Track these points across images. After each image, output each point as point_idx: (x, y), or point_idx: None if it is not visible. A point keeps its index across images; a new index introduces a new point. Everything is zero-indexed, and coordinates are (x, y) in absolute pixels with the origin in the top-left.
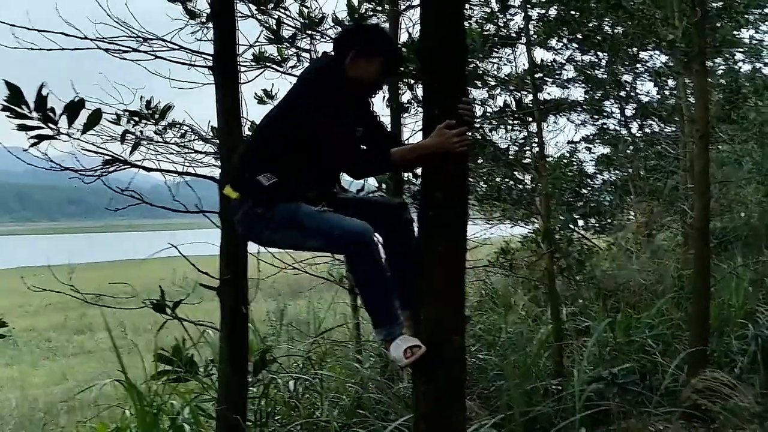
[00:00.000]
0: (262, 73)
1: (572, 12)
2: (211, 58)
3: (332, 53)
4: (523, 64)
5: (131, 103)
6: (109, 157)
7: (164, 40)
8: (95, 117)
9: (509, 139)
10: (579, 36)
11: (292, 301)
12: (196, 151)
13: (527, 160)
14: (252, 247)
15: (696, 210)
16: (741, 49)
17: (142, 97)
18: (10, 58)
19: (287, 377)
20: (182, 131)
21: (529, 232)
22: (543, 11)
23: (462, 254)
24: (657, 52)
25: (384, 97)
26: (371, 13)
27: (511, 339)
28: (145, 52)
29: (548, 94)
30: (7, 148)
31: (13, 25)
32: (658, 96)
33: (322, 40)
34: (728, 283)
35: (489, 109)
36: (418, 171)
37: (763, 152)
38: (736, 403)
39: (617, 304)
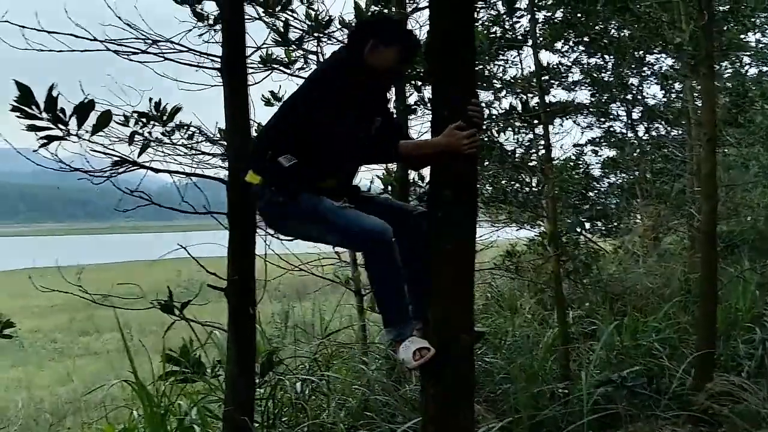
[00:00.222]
0: (269, 75)
1: (578, 15)
2: (219, 60)
3: (347, 45)
4: (529, 67)
5: (138, 104)
6: (118, 159)
7: (173, 42)
8: (105, 118)
9: (516, 141)
10: (585, 39)
11: (297, 302)
12: (203, 153)
13: (533, 163)
14: (258, 248)
15: (703, 213)
16: (748, 53)
17: (150, 99)
18: (16, 58)
19: (294, 379)
20: (190, 133)
21: (535, 235)
22: (549, 14)
23: (470, 253)
24: (663, 55)
25: (391, 99)
26: None
27: (518, 342)
28: (154, 54)
29: (554, 96)
30: (16, 150)
31: (24, 27)
32: (665, 99)
33: (329, 42)
34: (735, 287)
35: (495, 112)
36: (425, 172)
37: None
38: (744, 406)
39: (624, 307)
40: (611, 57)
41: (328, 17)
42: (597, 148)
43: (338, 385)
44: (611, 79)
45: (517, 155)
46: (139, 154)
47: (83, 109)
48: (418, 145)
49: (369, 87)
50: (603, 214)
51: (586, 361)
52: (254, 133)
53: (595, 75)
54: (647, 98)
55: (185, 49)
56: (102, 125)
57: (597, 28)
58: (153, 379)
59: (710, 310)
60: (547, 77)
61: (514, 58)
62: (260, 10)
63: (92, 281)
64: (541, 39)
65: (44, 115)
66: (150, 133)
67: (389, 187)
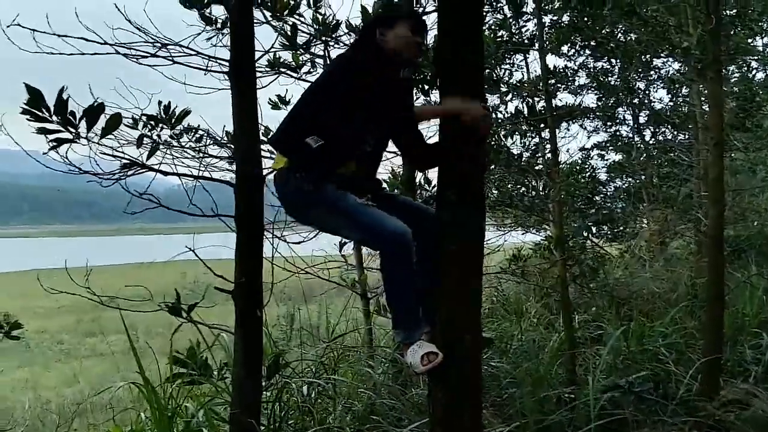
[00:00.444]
0: (276, 78)
1: (585, 19)
2: (227, 63)
3: (354, 46)
4: (536, 70)
5: (147, 107)
6: (127, 161)
7: (181, 46)
8: (114, 121)
9: (522, 145)
10: (592, 42)
11: (303, 305)
12: (210, 156)
13: (539, 167)
14: (264, 250)
15: (710, 218)
16: (755, 57)
17: (160, 102)
18: (25, 59)
19: (300, 382)
20: (198, 136)
21: (541, 240)
22: (556, 18)
23: (476, 254)
24: (670, 59)
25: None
26: None
27: (524, 346)
28: (163, 57)
29: (560, 100)
30: (26, 151)
31: (34, 30)
32: (671, 103)
33: (336, 46)
34: (742, 292)
35: (501, 115)
36: (430, 175)
37: None
38: (752, 412)
39: (630, 312)
40: (618, 61)
41: (335, 21)
42: (603, 152)
43: (344, 388)
44: (618, 83)
45: (523, 159)
46: (148, 157)
47: (93, 113)
48: (433, 110)
49: (378, 87)
50: (609, 218)
51: (593, 366)
52: (262, 137)
53: (601, 79)
54: (654, 102)
55: (194, 52)
56: (111, 128)
57: (603, 32)
58: (160, 380)
59: (717, 314)
60: (553, 81)
61: (520, 61)
62: (268, 14)
63: (99, 283)
64: (547, 43)
65: (54, 118)
66: (159, 136)
67: (395, 190)
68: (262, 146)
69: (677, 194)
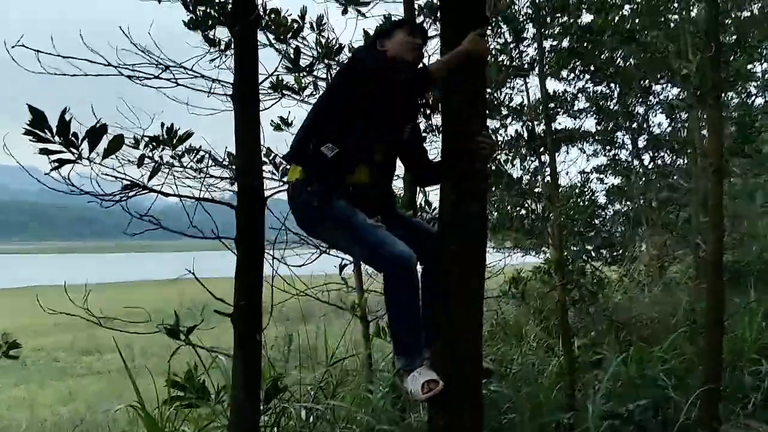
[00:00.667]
0: (279, 100)
1: (585, 44)
2: (230, 85)
3: (354, 58)
4: (536, 94)
5: (149, 127)
6: (129, 182)
7: (185, 68)
8: (117, 143)
9: (522, 168)
10: (592, 67)
11: (300, 326)
12: (212, 176)
13: (539, 189)
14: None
15: (709, 243)
16: (754, 83)
17: (162, 123)
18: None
19: (299, 406)
20: (199, 156)
21: (541, 263)
22: (556, 43)
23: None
24: (669, 84)
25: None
26: None
27: (523, 371)
28: (167, 79)
29: (560, 124)
30: (26, 170)
31: (38, 51)
32: (670, 128)
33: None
34: (741, 318)
35: (501, 138)
36: (431, 197)
37: None
38: None
39: (629, 336)
40: (617, 86)
41: (338, 44)
42: (602, 176)
43: (343, 413)
44: (617, 107)
45: (523, 182)
46: (150, 178)
47: (95, 134)
48: (442, 61)
49: (382, 93)
50: (609, 242)
51: (592, 391)
52: (264, 159)
53: (600, 103)
54: (653, 127)
55: (197, 75)
56: (113, 149)
57: (603, 57)
58: (157, 402)
59: (716, 340)
60: (553, 105)
61: (520, 86)
62: (271, 36)
63: (97, 300)
64: (547, 67)
65: (56, 138)
66: (161, 157)
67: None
68: (264, 166)
69: (676, 219)
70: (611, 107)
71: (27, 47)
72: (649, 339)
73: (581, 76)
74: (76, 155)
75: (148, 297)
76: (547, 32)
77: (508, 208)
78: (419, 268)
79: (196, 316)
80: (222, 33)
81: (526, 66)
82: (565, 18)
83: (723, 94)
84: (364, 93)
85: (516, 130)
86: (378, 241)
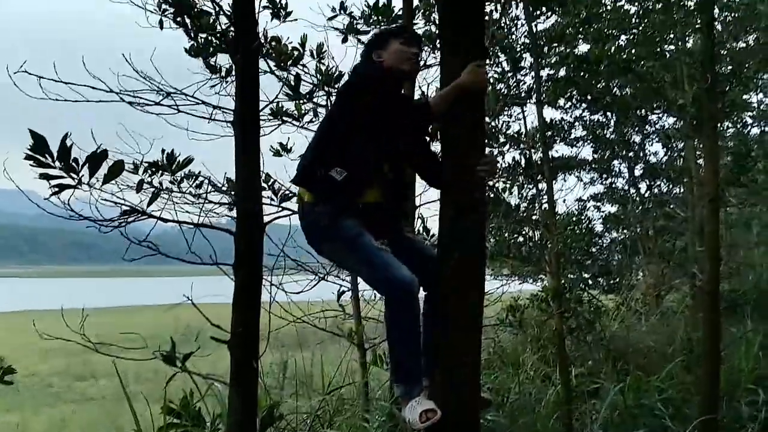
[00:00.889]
0: (279, 127)
1: (582, 73)
2: (231, 111)
3: (353, 71)
4: (533, 123)
5: (148, 152)
6: (128, 208)
7: (186, 95)
8: (117, 168)
9: (519, 196)
10: (588, 96)
11: (296, 352)
12: (211, 202)
13: (536, 217)
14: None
15: (706, 273)
16: (750, 113)
17: (163, 150)
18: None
19: None
20: (198, 182)
21: (538, 291)
22: (553, 72)
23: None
24: (665, 114)
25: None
26: None
27: (520, 400)
28: (168, 106)
29: (557, 152)
30: (24, 194)
31: (41, 77)
32: (666, 157)
33: None
34: (738, 347)
35: (498, 166)
36: (430, 224)
37: None
38: None
39: (627, 365)
40: (614, 114)
41: (337, 72)
42: (599, 204)
43: None
44: (614, 136)
45: (520, 210)
46: (149, 204)
47: (96, 159)
48: (441, 96)
49: (381, 105)
50: (606, 270)
51: (589, 421)
52: (263, 184)
53: (597, 132)
54: (649, 156)
55: (198, 101)
56: (114, 175)
57: (600, 86)
58: (152, 429)
59: (713, 370)
60: (550, 133)
61: (518, 114)
62: (272, 63)
63: (93, 325)
64: (544, 96)
65: (57, 163)
66: (161, 183)
67: None
68: (263, 192)
69: (673, 247)
70: (608, 136)
71: (29, 73)
72: (646, 368)
73: (578, 105)
74: (77, 180)
75: (144, 322)
76: (544, 61)
77: (506, 235)
78: (422, 294)
79: (192, 342)
80: (223, 59)
81: (523, 94)
82: (562, 48)
83: (719, 124)
84: (362, 106)
85: (513, 158)
86: (382, 263)
